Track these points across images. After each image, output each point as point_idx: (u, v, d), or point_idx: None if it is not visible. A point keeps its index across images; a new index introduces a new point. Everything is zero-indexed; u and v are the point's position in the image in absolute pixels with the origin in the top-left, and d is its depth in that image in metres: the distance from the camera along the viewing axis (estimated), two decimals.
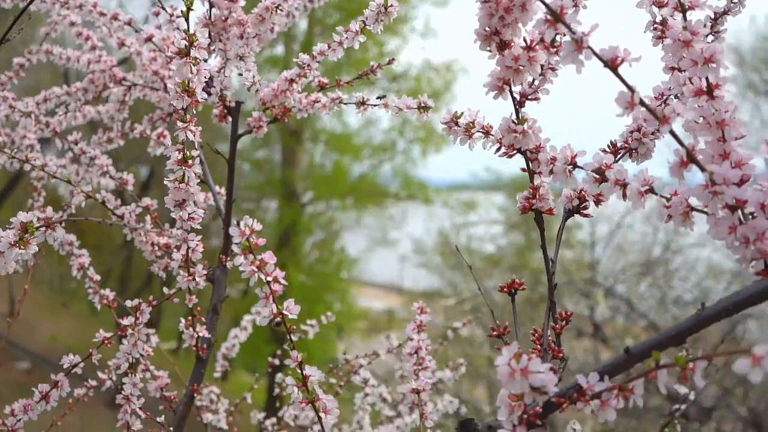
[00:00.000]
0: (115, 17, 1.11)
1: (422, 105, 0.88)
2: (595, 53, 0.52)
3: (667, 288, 6.67)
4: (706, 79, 0.55)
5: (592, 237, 7.26)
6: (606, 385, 0.52)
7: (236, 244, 0.63)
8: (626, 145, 0.70)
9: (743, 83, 9.11)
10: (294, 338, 0.69)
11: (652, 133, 0.70)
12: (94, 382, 1.13)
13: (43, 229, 0.69)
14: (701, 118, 0.56)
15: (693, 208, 0.56)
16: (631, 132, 0.70)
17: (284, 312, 0.65)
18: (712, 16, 0.75)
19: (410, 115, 0.93)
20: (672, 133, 0.53)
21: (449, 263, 9.69)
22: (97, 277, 1.11)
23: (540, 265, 8.45)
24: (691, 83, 0.58)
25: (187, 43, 0.74)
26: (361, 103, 0.98)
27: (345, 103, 1.00)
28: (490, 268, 9.85)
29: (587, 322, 6.22)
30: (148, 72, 1.17)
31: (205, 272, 0.92)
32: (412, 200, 12.13)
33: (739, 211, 0.55)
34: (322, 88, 1.03)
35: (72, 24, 1.21)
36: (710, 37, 0.74)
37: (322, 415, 0.67)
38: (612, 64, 0.52)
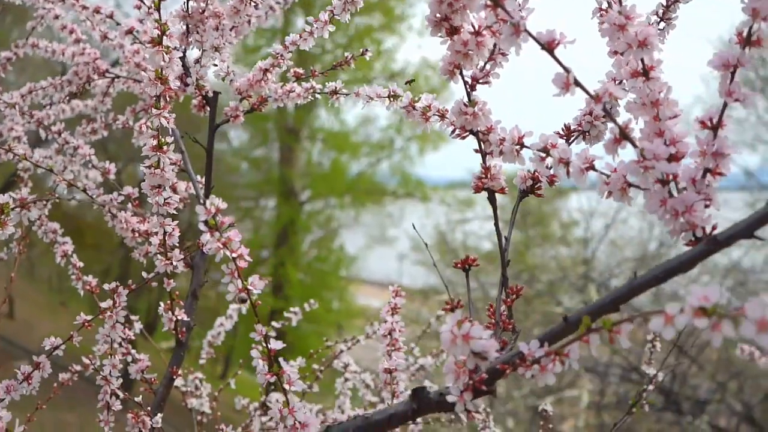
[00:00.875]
0: (97, 10, 1.14)
1: (392, 94, 0.91)
2: (532, 36, 0.55)
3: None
4: (642, 60, 0.58)
5: (587, 232, 7.30)
6: (544, 351, 0.55)
7: (203, 222, 0.66)
8: (579, 128, 0.73)
9: (739, 79, 9.14)
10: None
11: (604, 116, 0.72)
12: (78, 367, 1.16)
13: (18, 209, 0.72)
14: (639, 99, 0.59)
15: (630, 184, 0.59)
16: (584, 115, 0.73)
17: (249, 287, 0.68)
18: (665, 3, 0.78)
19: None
20: (606, 111, 0.56)
21: (447, 261, 9.72)
22: (80, 264, 1.14)
23: (536, 262, 8.48)
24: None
25: (159, 32, 0.77)
26: (334, 93, 1.02)
27: (319, 93, 1.03)
28: (487, 264, 9.89)
29: None
30: (130, 64, 1.20)
31: (182, 256, 0.95)
32: (410, 198, 12.17)
33: (674, 186, 0.58)
34: (297, 78, 1.06)
35: (56, 17, 1.24)
36: (662, 24, 0.77)
37: (286, 386, 0.70)
38: (549, 46, 0.55)
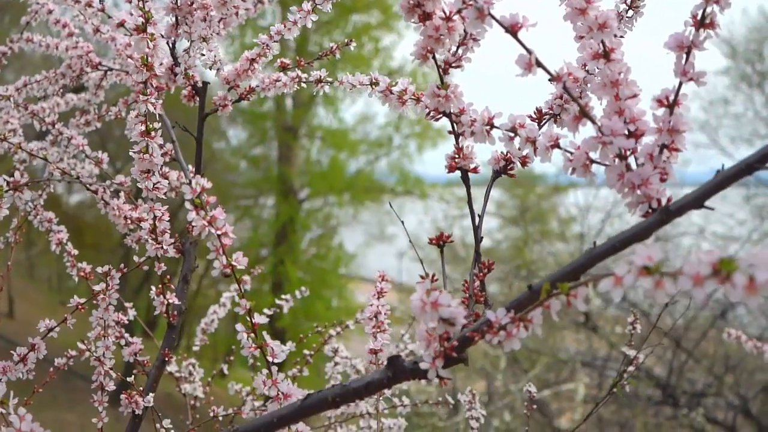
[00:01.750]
0: (89, 4, 1.17)
1: (373, 81, 0.94)
2: (496, 20, 0.58)
3: None
4: (602, 42, 0.61)
5: (583, 227, 7.33)
6: (510, 318, 0.58)
7: (188, 200, 0.69)
8: (550, 111, 0.76)
9: (736, 75, 9.20)
10: (245, 288, 0.75)
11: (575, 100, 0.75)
12: (73, 352, 1.19)
13: (11, 192, 0.75)
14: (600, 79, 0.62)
15: (592, 160, 0.62)
16: (555, 99, 0.76)
17: (234, 263, 0.71)
18: None
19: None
20: (566, 90, 0.59)
21: (446, 256, 9.71)
22: (75, 252, 1.17)
23: (534, 258, 8.51)
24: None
25: (143, 20, 0.80)
26: (318, 81, 1.05)
27: (304, 82, 1.06)
28: (485, 259, 9.91)
29: (579, 312, 6.31)
30: (122, 56, 1.23)
31: (172, 240, 0.98)
32: (409, 195, 12.20)
33: (633, 161, 0.61)
34: (283, 68, 1.09)
35: (50, 12, 1.27)
36: (630, 12, 0.80)
37: (269, 359, 0.73)
38: (512, 29, 0.58)
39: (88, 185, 1.10)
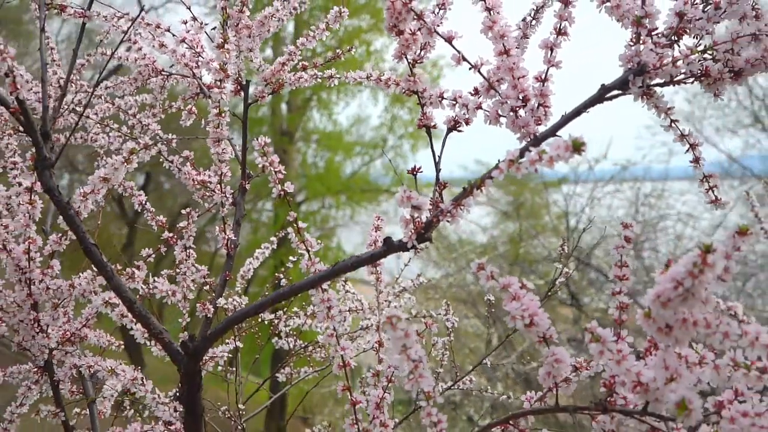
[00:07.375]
0: (158, 26, 1.60)
1: (369, 75, 1.37)
2: (438, 34, 1.01)
3: (639, 258, 7.19)
4: (503, 45, 1.04)
5: (567, 205, 7.78)
6: (453, 205, 1.01)
7: (256, 150, 1.12)
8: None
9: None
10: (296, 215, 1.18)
11: (498, 81, 1.18)
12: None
13: (143, 149, 1.17)
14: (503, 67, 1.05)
15: (500, 114, 1.05)
16: (483, 82, 1.19)
17: (285, 188, 1.14)
18: (535, 8, 1.23)
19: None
20: (480, 73, 1.02)
21: (443, 254, 10.13)
22: (153, 210, 1.60)
23: (529, 253, 8.93)
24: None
25: (223, 40, 1.22)
26: (331, 77, 1.48)
27: (320, 78, 1.49)
28: (484, 257, 10.27)
29: (565, 291, 6.74)
30: (180, 65, 1.65)
31: (232, 191, 1.41)
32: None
33: (523, 113, 1.04)
34: (304, 69, 1.52)
35: (124, 32, 1.70)
36: (533, 21, 1.23)
37: (309, 248, 1.15)
38: (449, 39, 1.01)
39: (166, 157, 1.52)
